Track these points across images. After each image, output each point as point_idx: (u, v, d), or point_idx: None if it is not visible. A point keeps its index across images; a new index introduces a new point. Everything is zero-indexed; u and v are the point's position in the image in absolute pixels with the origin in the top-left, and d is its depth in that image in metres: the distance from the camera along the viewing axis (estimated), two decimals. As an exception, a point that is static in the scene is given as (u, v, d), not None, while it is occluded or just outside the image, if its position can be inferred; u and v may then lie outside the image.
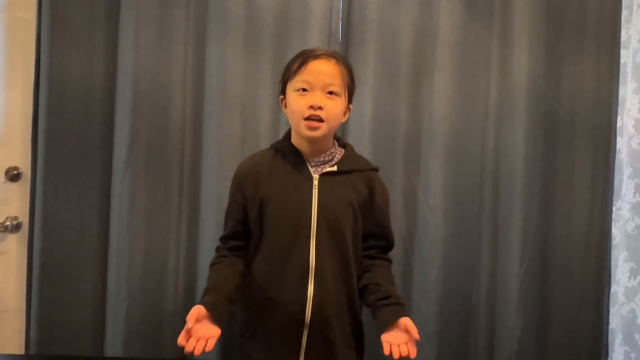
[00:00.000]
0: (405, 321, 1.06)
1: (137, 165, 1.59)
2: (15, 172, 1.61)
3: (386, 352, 1.03)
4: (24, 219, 1.62)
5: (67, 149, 1.60)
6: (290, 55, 1.53)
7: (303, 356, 1.17)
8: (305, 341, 1.16)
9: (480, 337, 1.68)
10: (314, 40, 1.59)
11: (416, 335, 1.03)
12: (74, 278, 1.62)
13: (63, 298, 1.60)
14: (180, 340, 1.00)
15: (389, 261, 1.27)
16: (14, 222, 1.61)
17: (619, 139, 1.69)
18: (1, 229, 1.59)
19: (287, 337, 1.16)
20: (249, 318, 1.20)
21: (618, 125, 1.69)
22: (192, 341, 1.00)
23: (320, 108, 1.12)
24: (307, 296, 1.15)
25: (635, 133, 1.67)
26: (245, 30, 1.61)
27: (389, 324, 1.08)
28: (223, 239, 1.25)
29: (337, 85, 1.15)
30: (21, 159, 1.62)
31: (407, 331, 1.05)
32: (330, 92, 1.14)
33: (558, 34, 1.67)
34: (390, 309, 1.11)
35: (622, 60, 1.68)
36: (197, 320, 1.02)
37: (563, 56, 1.67)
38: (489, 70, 1.67)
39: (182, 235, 1.65)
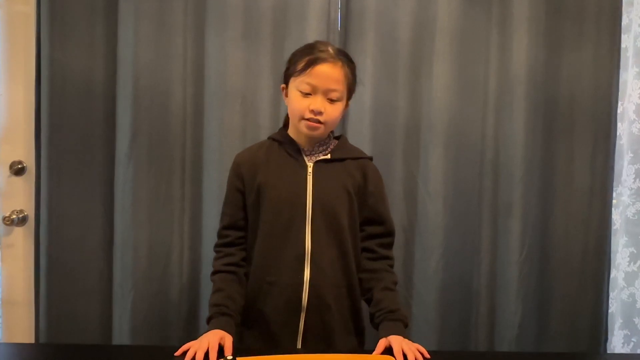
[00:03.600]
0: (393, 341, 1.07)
1: (140, 158, 1.60)
2: (19, 166, 1.63)
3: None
4: (30, 212, 1.65)
5: (70, 143, 1.61)
6: (289, 46, 1.55)
7: (301, 341, 1.19)
8: (302, 325, 1.19)
9: (480, 324, 1.69)
10: (313, 30, 1.58)
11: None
12: (80, 269, 1.64)
13: (70, 289, 1.63)
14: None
15: (390, 258, 1.27)
16: (20, 216, 1.63)
17: (619, 124, 1.68)
18: (7, 222, 1.61)
19: (285, 321, 1.19)
20: (248, 305, 1.22)
21: (619, 111, 1.68)
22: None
23: (320, 113, 1.17)
24: (303, 279, 1.18)
25: (636, 118, 1.67)
26: (244, 21, 1.61)
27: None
28: (222, 230, 1.26)
29: (339, 92, 1.19)
30: (25, 153, 1.64)
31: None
32: (332, 99, 1.18)
33: (557, 20, 1.65)
34: (385, 325, 1.13)
35: (623, 45, 1.67)
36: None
37: (563, 42, 1.65)
38: (488, 59, 1.66)
39: (185, 226, 1.67)
